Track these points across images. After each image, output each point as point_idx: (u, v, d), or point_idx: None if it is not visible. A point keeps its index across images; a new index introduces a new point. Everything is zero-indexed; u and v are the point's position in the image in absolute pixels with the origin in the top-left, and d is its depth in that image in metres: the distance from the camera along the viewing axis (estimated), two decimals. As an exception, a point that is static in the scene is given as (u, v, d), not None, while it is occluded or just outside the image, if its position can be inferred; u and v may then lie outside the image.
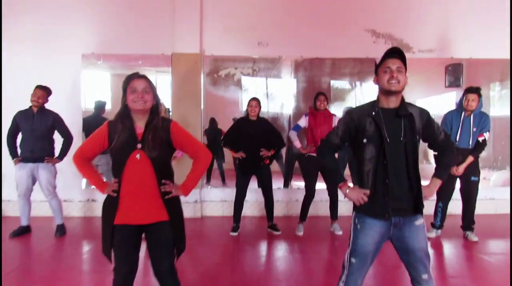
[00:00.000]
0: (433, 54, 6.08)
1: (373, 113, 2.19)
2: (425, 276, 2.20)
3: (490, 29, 6.00)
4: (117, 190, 2.22)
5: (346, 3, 5.94)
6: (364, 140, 2.20)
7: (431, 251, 4.29)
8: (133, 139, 2.21)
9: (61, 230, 4.78)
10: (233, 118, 5.80)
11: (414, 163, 2.18)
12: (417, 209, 2.20)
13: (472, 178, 4.61)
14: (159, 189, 2.24)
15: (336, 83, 6.31)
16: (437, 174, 2.33)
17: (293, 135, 4.99)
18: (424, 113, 2.27)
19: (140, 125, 2.26)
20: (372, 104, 2.25)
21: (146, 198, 2.23)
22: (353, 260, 2.23)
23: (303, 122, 4.98)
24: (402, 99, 2.24)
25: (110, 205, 2.26)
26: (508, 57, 6.02)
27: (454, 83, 6.38)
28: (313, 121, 4.88)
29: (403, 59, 2.19)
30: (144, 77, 2.29)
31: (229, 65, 5.97)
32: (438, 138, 2.30)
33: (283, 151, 5.97)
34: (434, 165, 2.42)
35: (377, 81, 2.24)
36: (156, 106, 2.31)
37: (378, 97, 2.27)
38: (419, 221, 2.22)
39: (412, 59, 5.86)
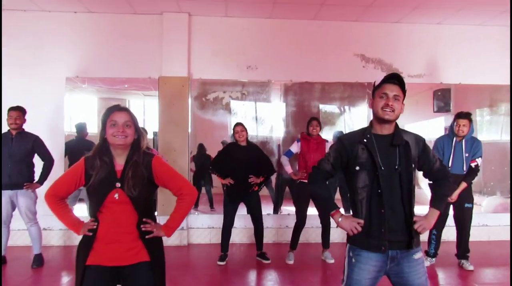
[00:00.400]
0: (422, 79, 6.09)
1: (365, 140, 2.10)
2: None
3: (478, 55, 6.06)
4: (93, 229, 2.06)
5: (335, 28, 5.94)
6: (357, 168, 2.10)
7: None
8: (112, 177, 2.06)
9: (38, 260, 4.53)
10: (222, 141, 5.69)
11: (409, 194, 2.07)
12: (411, 243, 2.07)
13: (466, 205, 4.53)
14: (138, 228, 2.08)
15: (325, 108, 6.27)
16: (434, 205, 2.21)
17: (285, 160, 4.89)
18: (420, 140, 2.19)
19: (119, 161, 2.11)
20: (364, 131, 2.16)
21: (124, 238, 2.06)
22: None
23: (295, 148, 4.90)
24: (396, 125, 2.15)
25: (85, 245, 2.09)
26: (497, 83, 6.08)
27: (442, 108, 6.39)
28: (306, 147, 4.79)
29: (402, 86, 2.11)
30: (125, 109, 2.15)
31: (218, 89, 5.89)
32: (433, 167, 2.22)
33: (273, 176, 5.85)
34: (424, 190, 2.32)
35: (372, 105, 2.15)
36: (137, 141, 2.15)
37: (371, 122, 2.18)
38: (418, 255, 2.10)
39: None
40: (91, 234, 2.05)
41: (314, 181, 2.27)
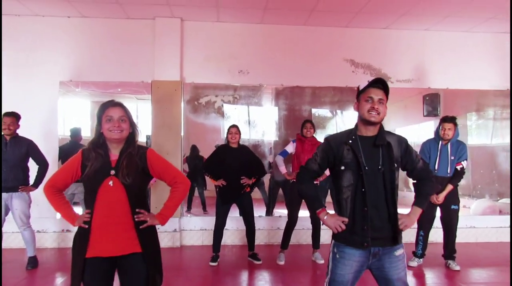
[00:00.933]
0: (411, 84, 6.20)
1: (350, 141, 2.20)
2: None
3: (465, 61, 6.20)
4: (88, 221, 2.12)
5: (325, 33, 6.04)
6: (342, 168, 2.20)
7: (413, 280, 4.28)
8: (106, 166, 2.14)
9: (33, 262, 4.57)
10: (215, 145, 5.77)
11: (392, 192, 2.17)
12: (396, 239, 2.18)
13: (452, 206, 4.63)
14: (133, 218, 2.15)
15: (317, 111, 6.37)
16: (417, 203, 2.31)
17: (279, 160, 4.97)
18: (402, 141, 2.28)
19: (115, 153, 2.20)
20: (349, 132, 2.26)
21: (118, 228, 2.13)
22: None
23: (290, 148, 4.98)
24: (380, 127, 2.24)
25: (81, 237, 2.16)
26: (484, 88, 6.23)
27: (431, 112, 6.50)
28: (300, 147, 4.88)
29: (386, 90, 2.22)
30: (120, 105, 2.23)
31: (210, 93, 5.98)
32: (416, 166, 2.31)
33: (266, 178, 5.94)
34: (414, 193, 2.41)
35: (357, 108, 2.25)
36: (132, 135, 2.24)
37: (357, 124, 2.28)
38: (399, 251, 2.20)
39: (391, 89, 6.06)
40: (86, 226, 2.12)
41: (301, 180, 2.37)
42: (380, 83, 2.21)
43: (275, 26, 5.96)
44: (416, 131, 7.02)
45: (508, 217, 6.01)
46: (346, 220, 2.17)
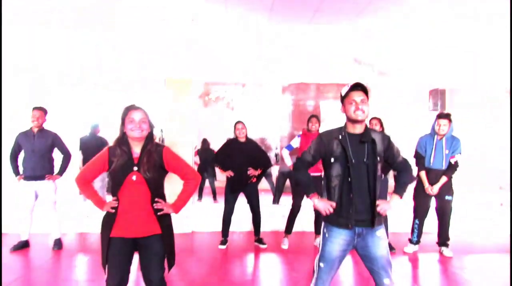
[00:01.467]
0: (412, 82, 6.41)
1: (340, 137, 2.53)
2: (387, 281, 2.50)
3: (467, 60, 6.37)
4: (115, 207, 2.50)
5: (329, 32, 6.23)
6: (332, 160, 2.53)
7: (408, 265, 4.55)
8: (130, 163, 2.51)
9: (58, 244, 4.98)
10: (228, 138, 6.11)
11: (374, 182, 2.50)
12: (373, 222, 2.49)
13: (446, 197, 4.88)
14: (152, 206, 2.52)
15: (324, 106, 6.65)
16: (396, 191, 2.65)
17: (285, 153, 5.29)
18: (385, 138, 2.61)
19: (136, 150, 2.56)
20: (340, 129, 2.59)
21: (140, 214, 2.51)
22: (321, 264, 2.54)
23: (296, 142, 5.29)
24: (366, 126, 2.57)
25: (108, 220, 2.54)
26: (486, 86, 6.42)
27: (436, 108, 6.71)
28: (305, 142, 5.16)
29: (365, 91, 2.53)
30: (140, 108, 2.60)
31: (220, 89, 6.29)
32: (396, 160, 2.65)
33: (274, 170, 6.22)
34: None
35: (344, 110, 2.57)
36: (151, 134, 2.61)
37: (345, 123, 2.60)
38: (380, 232, 2.54)
39: (394, 86, 6.31)
40: (113, 211, 2.51)
41: (297, 169, 2.72)
42: (359, 87, 2.53)
43: (281, 25, 6.13)
44: (421, 125, 7.21)
45: (505, 208, 6.23)
46: (334, 204, 2.51)
